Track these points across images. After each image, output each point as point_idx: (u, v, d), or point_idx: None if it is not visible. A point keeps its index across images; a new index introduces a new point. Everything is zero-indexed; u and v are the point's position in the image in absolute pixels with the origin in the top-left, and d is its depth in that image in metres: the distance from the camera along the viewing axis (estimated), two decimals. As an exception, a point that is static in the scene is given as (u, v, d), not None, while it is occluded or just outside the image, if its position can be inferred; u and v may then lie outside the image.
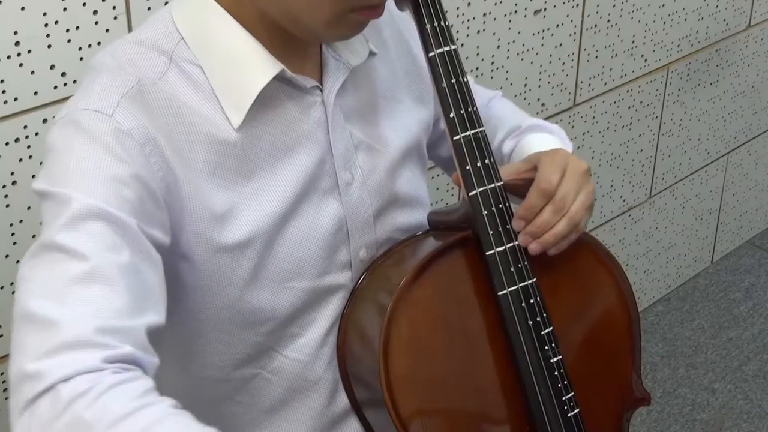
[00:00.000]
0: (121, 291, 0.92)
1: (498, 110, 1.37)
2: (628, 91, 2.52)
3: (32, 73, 1.46)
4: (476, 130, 1.10)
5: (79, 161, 0.97)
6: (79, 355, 0.87)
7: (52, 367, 0.86)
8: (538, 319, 1.11)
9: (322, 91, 1.11)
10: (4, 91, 1.44)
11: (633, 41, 2.46)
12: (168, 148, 1.01)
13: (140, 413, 0.85)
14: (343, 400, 1.17)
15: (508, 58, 2.16)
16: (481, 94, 1.37)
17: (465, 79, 1.11)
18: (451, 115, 1.10)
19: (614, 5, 2.36)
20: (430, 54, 1.10)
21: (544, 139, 1.27)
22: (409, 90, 1.22)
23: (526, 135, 1.29)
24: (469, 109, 1.10)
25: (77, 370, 0.86)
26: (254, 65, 1.05)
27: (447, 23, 1.10)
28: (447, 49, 1.10)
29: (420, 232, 1.20)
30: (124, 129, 0.99)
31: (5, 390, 1.60)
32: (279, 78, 1.06)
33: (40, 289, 0.91)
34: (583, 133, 2.44)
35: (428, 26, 1.09)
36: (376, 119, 1.18)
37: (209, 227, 1.05)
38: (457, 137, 1.10)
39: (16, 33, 1.42)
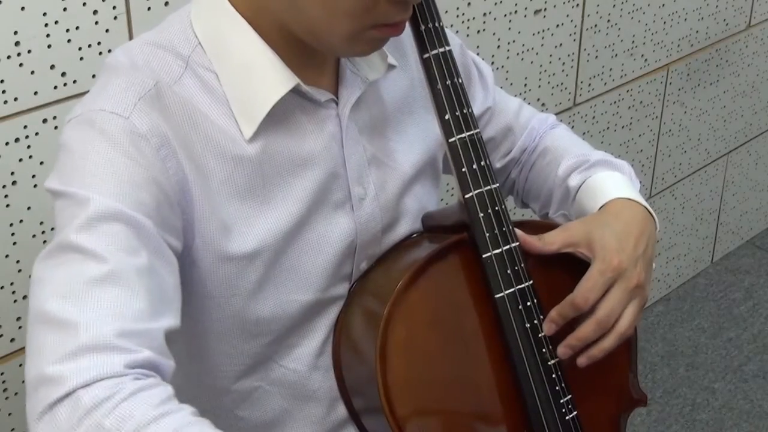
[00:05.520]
0: (140, 293, 0.91)
1: (560, 140, 1.34)
2: (628, 91, 2.51)
3: (32, 73, 1.46)
4: (472, 132, 1.10)
5: (96, 163, 0.96)
6: (100, 359, 0.85)
7: (72, 372, 0.84)
8: (535, 321, 1.11)
9: (337, 104, 1.09)
10: (4, 91, 1.44)
11: (633, 41, 2.46)
12: (182, 153, 1.00)
13: (162, 421, 0.84)
14: (342, 409, 1.16)
15: (508, 58, 2.16)
16: (533, 115, 1.36)
17: (460, 81, 1.10)
18: (446, 117, 1.10)
19: (614, 5, 2.36)
20: (425, 55, 1.10)
21: (613, 178, 1.22)
22: (425, 100, 1.20)
23: (594, 171, 1.24)
24: (465, 111, 1.10)
25: (98, 375, 0.84)
26: (269, 77, 1.03)
27: (442, 24, 1.10)
28: (442, 50, 1.10)
29: (415, 235, 1.19)
30: (141, 132, 0.98)
31: (5, 390, 1.60)
32: (294, 91, 1.04)
33: (57, 289, 0.90)
34: (583, 133, 2.44)
35: (423, 27, 1.09)
36: (389, 134, 1.16)
37: (217, 235, 1.04)
38: (453, 139, 1.10)
39: (16, 33, 1.42)
